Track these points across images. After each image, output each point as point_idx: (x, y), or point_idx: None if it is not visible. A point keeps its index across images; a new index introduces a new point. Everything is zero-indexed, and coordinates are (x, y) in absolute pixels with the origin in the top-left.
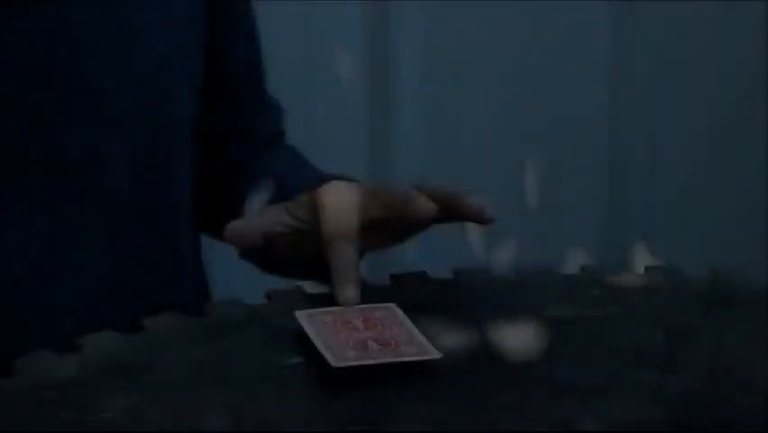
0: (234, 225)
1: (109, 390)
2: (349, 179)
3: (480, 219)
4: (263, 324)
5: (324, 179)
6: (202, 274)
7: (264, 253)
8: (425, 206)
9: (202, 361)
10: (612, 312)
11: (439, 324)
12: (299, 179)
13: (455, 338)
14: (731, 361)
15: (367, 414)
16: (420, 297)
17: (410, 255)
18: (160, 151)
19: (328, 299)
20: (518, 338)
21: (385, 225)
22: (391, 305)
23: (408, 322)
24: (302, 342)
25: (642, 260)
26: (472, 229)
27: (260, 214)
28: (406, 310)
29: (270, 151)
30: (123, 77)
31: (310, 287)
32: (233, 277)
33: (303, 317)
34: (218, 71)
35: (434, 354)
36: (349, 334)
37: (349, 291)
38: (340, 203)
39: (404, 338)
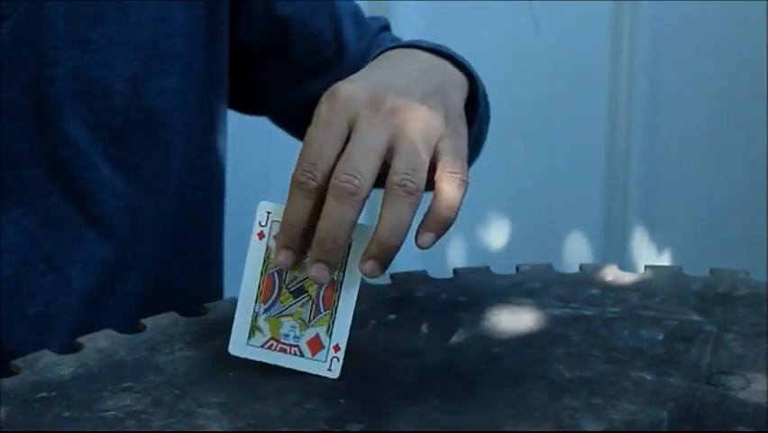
0: None
1: (109, 390)
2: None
3: None
4: None
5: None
6: (202, 275)
7: None
8: None
9: (202, 361)
10: (612, 312)
11: (439, 323)
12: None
13: (455, 338)
14: (731, 361)
15: (366, 414)
16: (420, 296)
17: (410, 255)
18: (154, 149)
19: None
20: (518, 338)
21: None
22: None
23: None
24: None
25: (641, 259)
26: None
27: None
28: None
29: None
30: (114, 74)
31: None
32: (233, 277)
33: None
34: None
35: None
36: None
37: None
38: None
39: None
